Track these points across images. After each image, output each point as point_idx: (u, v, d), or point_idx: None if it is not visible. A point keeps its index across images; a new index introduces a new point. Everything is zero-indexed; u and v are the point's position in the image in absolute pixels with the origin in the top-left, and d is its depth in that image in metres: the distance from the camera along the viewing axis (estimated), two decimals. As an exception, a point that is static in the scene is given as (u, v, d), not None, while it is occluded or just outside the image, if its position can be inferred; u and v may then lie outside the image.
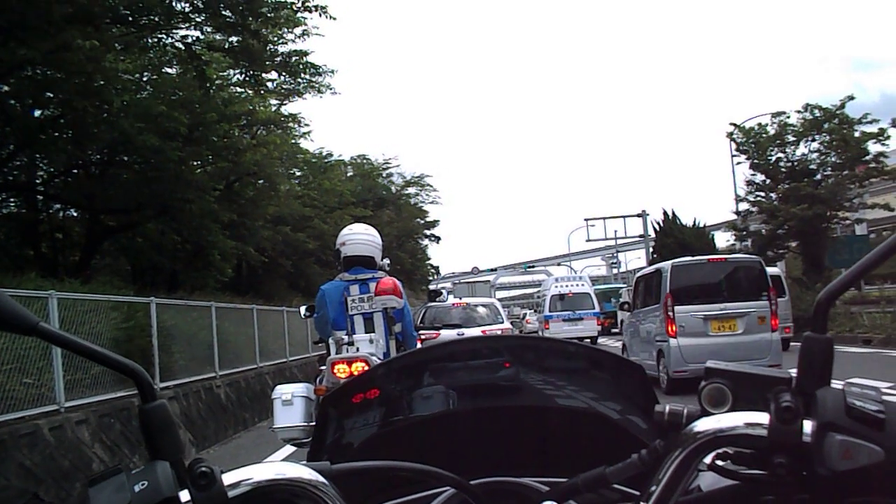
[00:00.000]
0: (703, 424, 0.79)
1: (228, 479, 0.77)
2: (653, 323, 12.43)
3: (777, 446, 0.76)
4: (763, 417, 0.77)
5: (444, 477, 0.91)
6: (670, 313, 11.45)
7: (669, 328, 11.45)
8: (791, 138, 27.31)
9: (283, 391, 4.58)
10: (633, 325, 14.06)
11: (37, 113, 13.46)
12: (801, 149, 27.51)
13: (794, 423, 0.75)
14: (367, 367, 4.36)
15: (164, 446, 0.77)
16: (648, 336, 12.77)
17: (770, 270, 15.02)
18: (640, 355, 12.94)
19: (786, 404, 0.75)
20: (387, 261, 5.33)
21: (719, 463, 0.81)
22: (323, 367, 4.90)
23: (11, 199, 15.66)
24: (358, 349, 4.71)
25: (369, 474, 0.97)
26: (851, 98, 26.12)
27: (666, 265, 12.33)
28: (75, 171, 15.55)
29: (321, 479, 0.81)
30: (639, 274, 15.19)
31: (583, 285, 27.78)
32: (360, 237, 5.22)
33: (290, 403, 4.50)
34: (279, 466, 0.81)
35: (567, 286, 27.69)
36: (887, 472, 0.72)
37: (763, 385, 0.80)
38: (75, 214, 17.27)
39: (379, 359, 4.58)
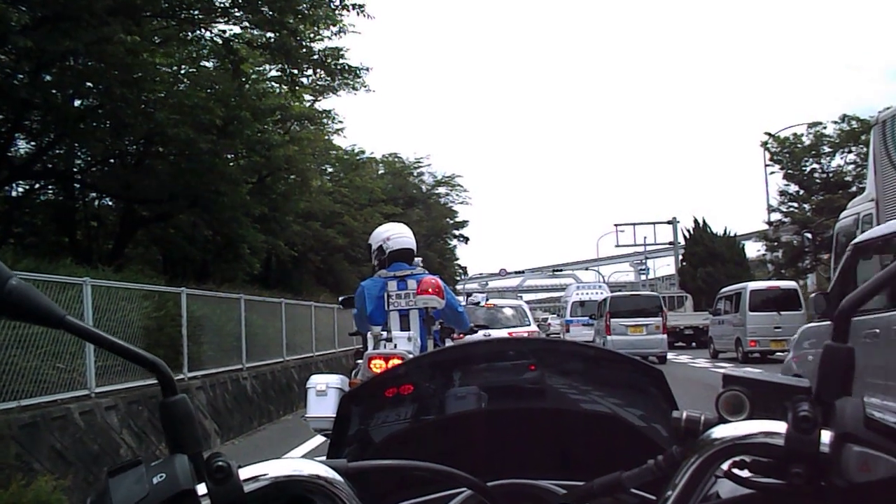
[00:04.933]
0: (720, 432, 0.78)
1: (245, 473, 0.78)
2: (601, 326, 21.35)
3: (794, 456, 0.74)
4: (781, 426, 0.76)
5: (461, 478, 0.90)
6: (608, 322, 20.56)
7: (608, 330, 20.46)
8: (827, 149, 26.97)
9: (318, 381, 4.57)
10: (595, 328, 23.24)
11: (77, 103, 13.66)
12: (837, 160, 27.21)
13: (811, 433, 0.74)
14: None
15: (183, 440, 0.78)
16: (599, 334, 21.56)
17: (788, 284, 21.43)
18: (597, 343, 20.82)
19: (803, 413, 0.74)
20: (419, 259, 5.39)
21: (736, 471, 0.80)
22: (359, 361, 4.92)
23: (50, 187, 15.94)
24: (396, 346, 4.72)
25: (386, 473, 0.96)
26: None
27: (608, 296, 23.09)
28: (112, 160, 15.72)
29: (337, 476, 0.81)
30: (599, 299, 24.92)
31: (601, 293, 29.66)
32: (404, 232, 5.32)
33: (325, 394, 4.48)
34: (296, 463, 0.81)
35: (588, 294, 31.19)
36: None
37: (782, 394, 0.79)
38: (110, 203, 17.47)
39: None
